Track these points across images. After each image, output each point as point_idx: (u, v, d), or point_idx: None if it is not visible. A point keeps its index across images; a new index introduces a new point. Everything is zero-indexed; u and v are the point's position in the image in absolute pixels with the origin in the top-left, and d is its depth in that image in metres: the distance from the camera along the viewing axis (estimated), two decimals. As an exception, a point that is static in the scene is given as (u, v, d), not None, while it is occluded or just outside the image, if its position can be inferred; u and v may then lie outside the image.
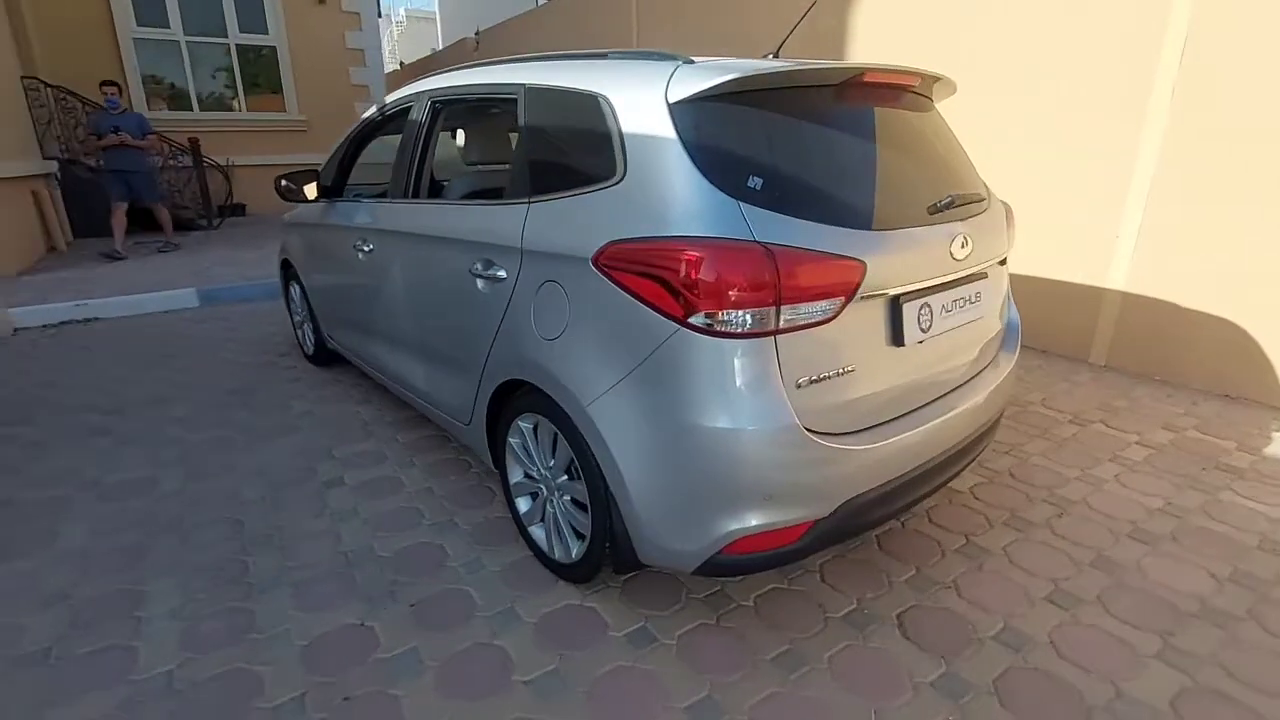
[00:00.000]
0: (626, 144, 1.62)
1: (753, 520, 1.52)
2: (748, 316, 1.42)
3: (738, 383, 1.45)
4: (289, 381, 3.76)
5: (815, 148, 1.67)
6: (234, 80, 10.25)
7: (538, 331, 1.81)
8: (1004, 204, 2.21)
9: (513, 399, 2.00)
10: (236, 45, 10.10)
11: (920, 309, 1.71)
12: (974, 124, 3.31)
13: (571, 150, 1.82)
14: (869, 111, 1.81)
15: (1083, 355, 3.91)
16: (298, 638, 1.80)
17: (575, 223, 1.72)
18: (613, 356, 1.60)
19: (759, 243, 1.43)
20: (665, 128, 1.55)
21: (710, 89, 1.53)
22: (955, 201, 1.78)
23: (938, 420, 1.77)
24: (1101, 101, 3.60)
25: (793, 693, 1.62)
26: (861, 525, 1.75)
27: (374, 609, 1.91)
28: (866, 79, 1.73)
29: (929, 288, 1.73)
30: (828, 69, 1.67)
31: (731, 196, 1.48)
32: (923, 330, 1.72)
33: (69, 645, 1.78)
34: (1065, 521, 2.31)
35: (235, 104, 10.39)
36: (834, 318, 1.51)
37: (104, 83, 6.92)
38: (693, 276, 1.42)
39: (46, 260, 6.90)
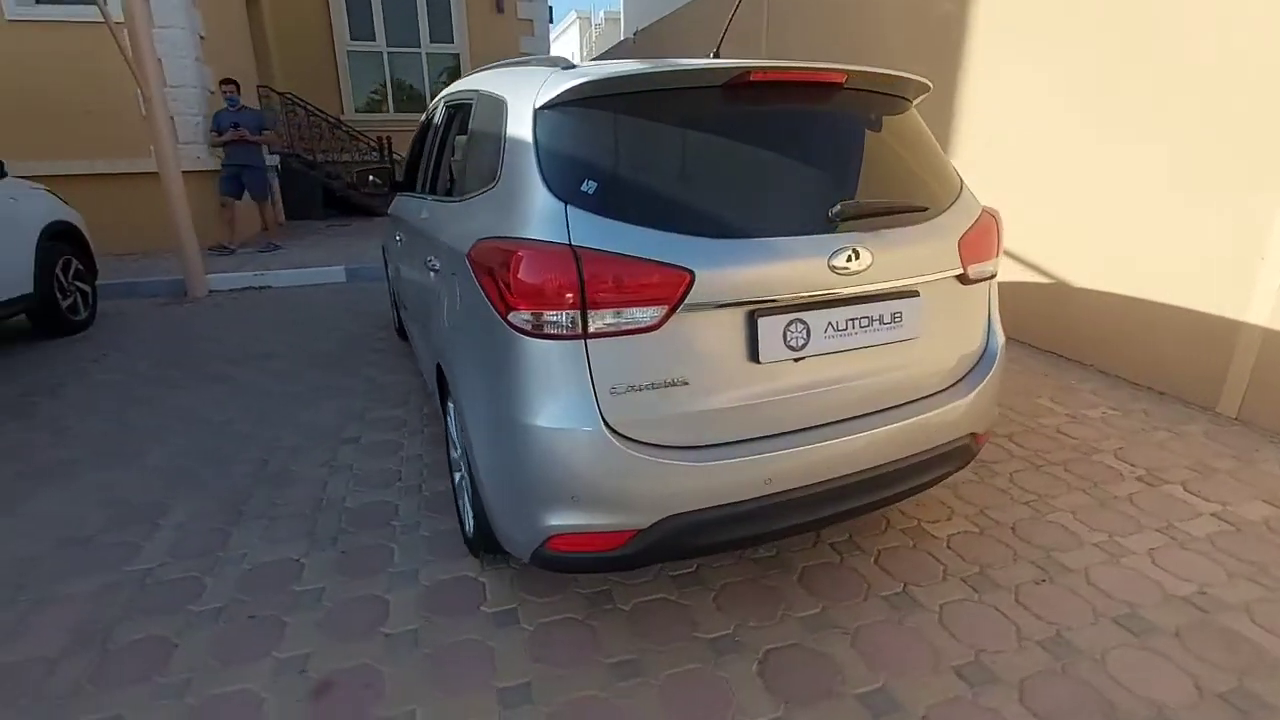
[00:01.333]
0: (505, 147, 1.70)
1: (569, 519, 1.54)
2: (557, 318, 1.44)
3: (548, 383, 1.48)
4: (372, 351, 4.32)
5: (680, 152, 1.62)
6: (423, 84, 11.67)
7: (446, 321, 1.96)
8: (987, 214, 1.92)
9: (443, 382, 2.18)
10: (427, 54, 11.48)
11: (788, 325, 1.58)
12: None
13: (484, 153, 1.93)
14: (773, 113, 1.70)
15: (1209, 402, 3.19)
16: (246, 562, 2.15)
17: (472, 221, 1.83)
18: (474, 347, 1.71)
19: (569, 246, 1.44)
20: (528, 132, 1.61)
21: (563, 94, 1.56)
22: (845, 212, 1.61)
23: (821, 446, 1.64)
24: (1249, 78, 2.89)
25: (611, 699, 1.61)
26: (705, 545, 1.67)
27: (313, 549, 2.21)
28: (755, 79, 1.63)
29: (801, 303, 1.59)
30: (706, 69, 1.61)
31: (561, 200, 1.50)
32: (793, 349, 1.59)
33: (103, 537, 2.30)
34: (1041, 590, 1.97)
35: (423, 105, 11.84)
36: (657, 326, 1.47)
37: (223, 81, 6.96)
38: (509, 277, 1.47)
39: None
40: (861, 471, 1.73)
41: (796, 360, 1.61)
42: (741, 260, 1.52)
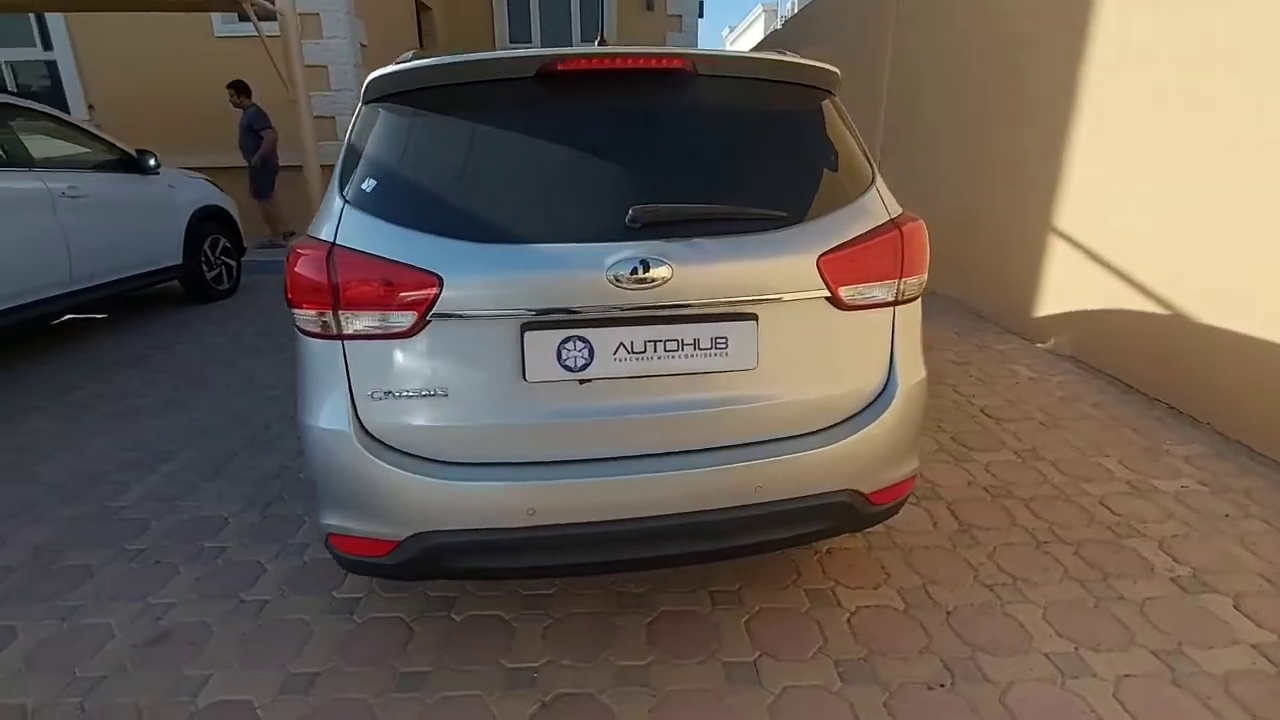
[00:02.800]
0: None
1: (337, 520, 1.53)
2: (317, 318, 1.43)
3: (314, 382, 1.47)
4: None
5: (472, 150, 1.50)
6: (573, 83, 12.19)
7: None
8: (899, 227, 1.57)
9: None
10: (577, 53, 11.98)
11: (564, 342, 1.41)
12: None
13: None
14: (597, 106, 1.52)
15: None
16: (188, 513, 2.41)
17: None
18: None
19: (330, 245, 1.41)
20: (348, 132, 1.61)
21: (366, 90, 1.53)
22: (640, 217, 1.39)
23: (611, 481, 1.46)
24: None
25: (376, 706, 1.58)
26: (473, 570, 1.56)
27: (244, 511, 2.42)
28: (563, 67, 1.46)
29: (581, 319, 1.41)
30: (511, 59, 1.48)
31: (343, 198, 1.47)
32: (570, 369, 1.42)
33: (110, 475, 2.71)
34: (927, 698, 1.58)
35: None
36: (413, 332, 1.40)
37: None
38: (287, 275, 1.48)
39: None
40: (678, 516, 1.50)
41: (582, 383, 1.44)
42: (504, 268, 1.39)
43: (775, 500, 1.54)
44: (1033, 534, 2.21)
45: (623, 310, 1.41)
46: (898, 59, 6.02)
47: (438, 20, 11.12)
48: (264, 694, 1.62)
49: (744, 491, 1.51)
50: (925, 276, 1.67)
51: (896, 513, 1.81)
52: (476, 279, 1.39)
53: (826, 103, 1.67)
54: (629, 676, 1.66)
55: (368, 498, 1.47)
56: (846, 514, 1.63)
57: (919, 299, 1.69)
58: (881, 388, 1.61)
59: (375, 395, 1.44)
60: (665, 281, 1.39)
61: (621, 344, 1.43)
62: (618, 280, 1.38)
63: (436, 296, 1.37)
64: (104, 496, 2.54)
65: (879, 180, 1.66)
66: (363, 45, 8.09)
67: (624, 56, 1.48)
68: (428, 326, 1.40)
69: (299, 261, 1.43)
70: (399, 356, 1.42)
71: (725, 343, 1.47)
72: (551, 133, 1.50)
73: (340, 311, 1.40)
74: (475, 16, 11.67)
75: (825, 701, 1.57)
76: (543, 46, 11.56)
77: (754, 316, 1.48)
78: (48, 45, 7.80)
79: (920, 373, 1.68)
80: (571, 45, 10.54)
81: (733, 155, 1.55)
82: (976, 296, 4.76)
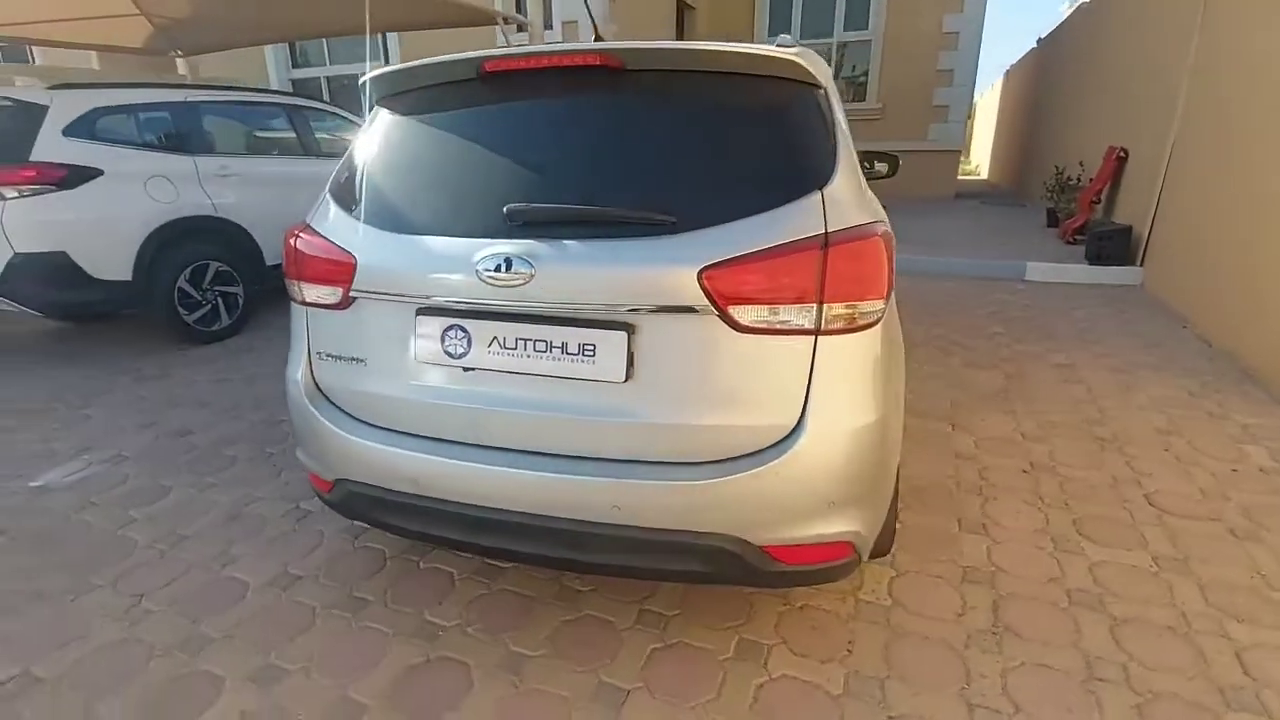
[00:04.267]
0: None
1: (304, 456, 1.82)
2: (293, 285, 1.72)
3: (292, 339, 1.78)
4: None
5: (417, 146, 1.63)
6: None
7: None
8: (811, 245, 1.33)
9: None
10: (837, 44, 11.38)
11: (447, 330, 1.48)
12: None
13: None
14: (527, 105, 1.55)
15: None
16: (161, 483, 2.63)
17: None
18: None
19: (305, 226, 1.68)
20: None
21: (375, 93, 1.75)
22: (512, 215, 1.37)
23: (479, 469, 1.50)
24: None
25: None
26: (384, 523, 1.70)
27: (266, 483, 2.63)
28: (489, 69, 1.50)
29: (461, 309, 1.46)
30: (459, 62, 1.57)
31: (327, 189, 1.74)
32: (451, 355, 1.49)
33: (159, 430, 3.38)
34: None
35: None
36: (343, 305, 1.60)
37: None
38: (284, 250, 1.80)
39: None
40: (538, 516, 1.48)
41: (466, 370, 1.51)
42: (400, 255, 1.51)
43: (637, 526, 1.43)
44: (1090, 664, 1.65)
45: (491, 305, 1.44)
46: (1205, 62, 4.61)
47: (700, 17, 11.52)
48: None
49: (601, 509, 1.43)
50: (878, 304, 1.38)
51: (828, 579, 1.55)
52: (379, 264, 1.54)
53: (773, 94, 1.47)
54: (511, 661, 1.70)
55: (312, 441, 1.74)
56: (733, 563, 1.43)
57: (874, 328, 1.39)
58: (790, 429, 1.38)
59: (321, 355, 1.69)
60: (527, 281, 1.38)
61: (495, 338, 1.47)
62: (482, 276, 1.41)
63: (353, 276, 1.56)
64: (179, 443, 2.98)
65: (836, 184, 1.40)
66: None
67: (546, 55, 1.48)
68: (354, 303, 1.60)
69: (287, 240, 1.73)
70: (334, 325, 1.65)
71: (593, 351, 1.40)
72: (478, 131, 1.59)
73: (299, 282, 1.67)
74: (737, 13, 11.81)
75: (668, 756, 1.43)
76: (800, 39, 11.28)
77: (628, 327, 1.38)
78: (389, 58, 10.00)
79: (861, 418, 1.39)
80: (831, 35, 10.10)
81: (643, 154, 1.46)
82: (1252, 350, 3.51)
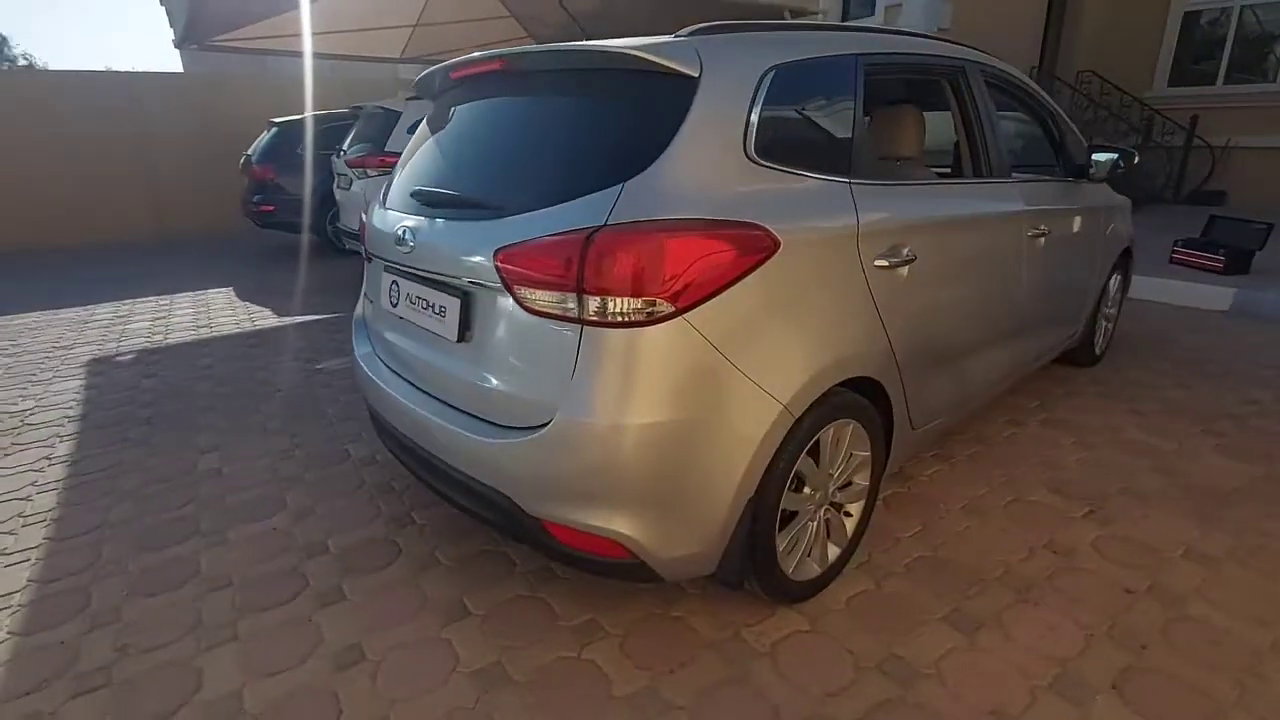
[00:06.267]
0: None
1: None
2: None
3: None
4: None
5: (418, 136, 2.04)
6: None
7: None
8: (577, 235, 1.35)
9: None
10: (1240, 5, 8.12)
11: (391, 283, 1.89)
12: None
13: None
14: (479, 102, 1.83)
15: None
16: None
17: None
18: None
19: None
20: None
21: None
22: (418, 195, 1.68)
23: (396, 398, 1.86)
24: None
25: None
26: (380, 436, 2.17)
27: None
28: (453, 75, 1.82)
29: (393, 267, 1.85)
30: (448, 68, 1.92)
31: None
32: (393, 304, 1.90)
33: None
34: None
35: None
36: (368, 259, 2.14)
37: None
38: None
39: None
40: (433, 452, 1.75)
41: (399, 317, 1.90)
42: (378, 223, 1.95)
43: (473, 478, 1.61)
44: None
45: (403, 267, 1.80)
46: None
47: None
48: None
49: (448, 449, 1.67)
50: (653, 301, 1.33)
51: (616, 575, 1.61)
52: (371, 229, 2.03)
53: (614, 88, 1.50)
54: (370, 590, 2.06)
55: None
56: (509, 521, 1.56)
57: (653, 327, 1.34)
58: (553, 411, 1.42)
59: (368, 296, 2.27)
60: (411, 251, 1.71)
61: (407, 294, 1.83)
62: (397, 243, 1.78)
63: (364, 235, 2.09)
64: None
65: (657, 177, 1.38)
66: (940, 29, 7.92)
67: (477, 62, 1.74)
68: (371, 258, 2.13)
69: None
70: (365, 274, 2.21)
71: (444, 312, 1.66)
72: (438, 126, 1.94)
73: (362, 243, 2.27)
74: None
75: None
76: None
77: (465, 295, 1.60)
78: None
79: (625, 416, 1.35)
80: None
81: (506, 146, 1.66)
82: None
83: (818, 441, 1.68)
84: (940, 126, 2.44)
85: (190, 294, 6.00)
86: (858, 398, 1.76)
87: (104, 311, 5.46)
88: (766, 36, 1.66)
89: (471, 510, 1.73)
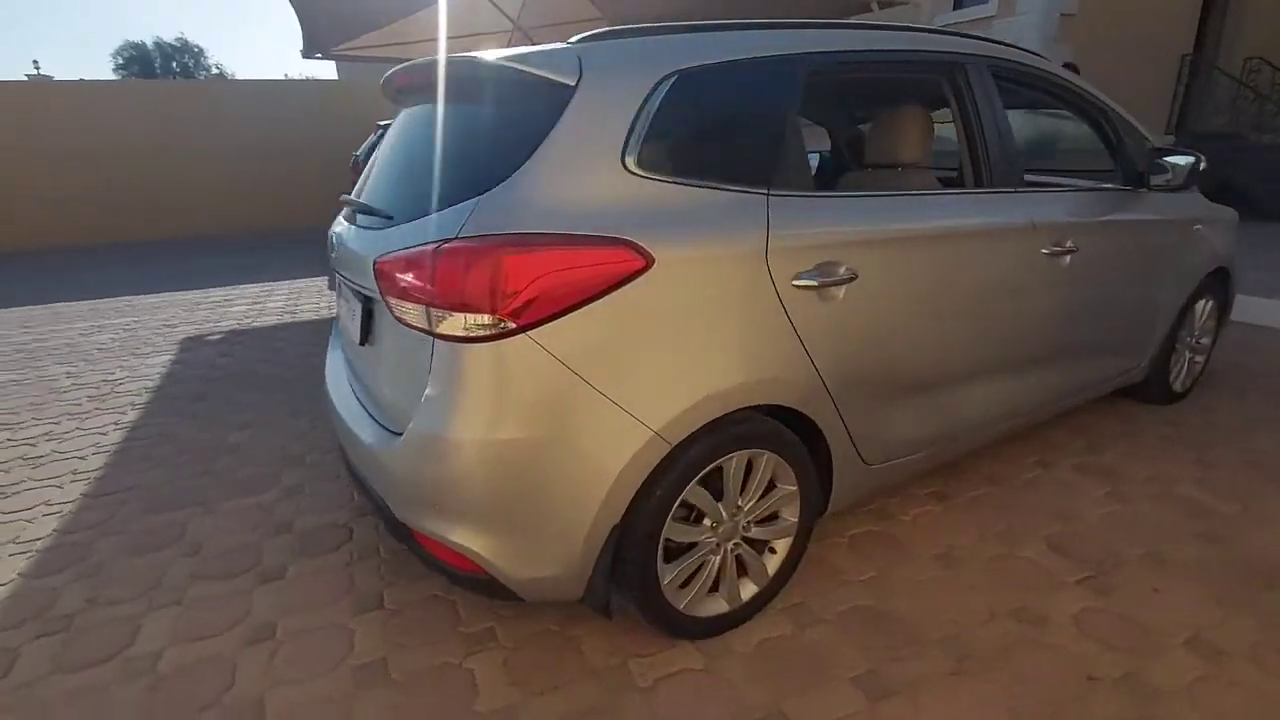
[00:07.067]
0: None
1: None
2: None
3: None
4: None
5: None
6: None
7: None
8: (428, 247, 1.35)
9: None
10: None
11: (341, 284, 1.98)
12: None
13: None
14: (403, 113, 1.90)
15: None
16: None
17: None
18: None
19: None
20: None
21: None
22: (343, 204, 1.74)
23: (329, 392, 1.97)
24: None
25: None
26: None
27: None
28: (385, 87, 1.87)
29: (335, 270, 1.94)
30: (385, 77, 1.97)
31: None
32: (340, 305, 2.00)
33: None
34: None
35: None
36: None
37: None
38: None
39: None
40: (345, 447, 1.85)
41: (340, 320, 2.00)
42: (336, 227, 2.06)
43: (358, 468, 1.71)
44: None
45: (337, 270, 1.89)
46: None
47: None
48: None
49: (351, 445, 1.72)
50: (495, 317, 1.30)
51: (480, 591, 1.59)
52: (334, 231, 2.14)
53: (495, 98, 1.48)
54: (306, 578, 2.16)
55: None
56: (387, 515, 1.58)
57: (497, 342, 1.32)
58: (412, 418, 1.43)
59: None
60: (336, 255, 1.79)
61: (342, 296, 1.91)
62: (330, 248, 1.87)
63: None
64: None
65: (518, 188, 1.35)
66: (1064, 15, 7.10)
67: (397, 73, 1.79)
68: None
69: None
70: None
71: (355, 315, 1.72)
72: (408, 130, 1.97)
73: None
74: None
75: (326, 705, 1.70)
76: None
77: (367, 300, 1.65)
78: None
79: (465, 431, 1.34)
80: None
81: (415, 155, 1.66)
82: None
83: (721, 471, 1.58)
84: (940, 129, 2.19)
85: (288, 283, 6.66)
86: (775, 426, 1.63)
87: (216, 295, 6.19)
88: (676, 40, 1.56)
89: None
